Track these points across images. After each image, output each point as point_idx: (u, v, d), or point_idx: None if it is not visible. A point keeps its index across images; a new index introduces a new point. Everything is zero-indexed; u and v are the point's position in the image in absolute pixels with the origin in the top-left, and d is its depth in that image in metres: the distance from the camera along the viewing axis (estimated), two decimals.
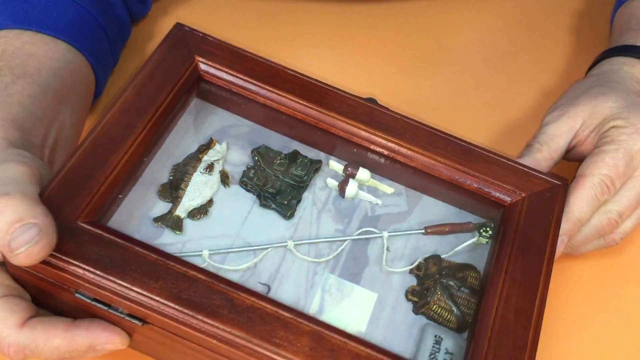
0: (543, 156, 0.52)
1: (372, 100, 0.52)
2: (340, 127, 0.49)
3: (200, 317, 0.38)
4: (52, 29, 0.50)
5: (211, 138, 0.50)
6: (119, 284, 0.38)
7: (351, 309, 0.45)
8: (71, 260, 0.38)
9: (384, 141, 0.49)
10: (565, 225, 0.49)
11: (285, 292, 0.45)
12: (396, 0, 0.69)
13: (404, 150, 0.49)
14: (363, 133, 0.49)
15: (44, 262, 0.38)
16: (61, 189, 0.41)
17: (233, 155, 0.50)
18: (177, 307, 0.38)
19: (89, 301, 0.39)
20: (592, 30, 0.69)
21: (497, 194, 0.48)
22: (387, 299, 0.46)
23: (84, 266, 0.38)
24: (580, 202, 0.49)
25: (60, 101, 0.49)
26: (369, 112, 0.50)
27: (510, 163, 0.49)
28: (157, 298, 0.38)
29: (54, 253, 0.38)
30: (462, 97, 0.64)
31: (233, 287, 0.40)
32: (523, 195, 0.48)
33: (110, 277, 0.38)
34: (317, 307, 0.45)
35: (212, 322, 0.38)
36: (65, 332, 0.40)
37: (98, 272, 0.38)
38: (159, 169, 0.48)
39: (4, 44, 0.49)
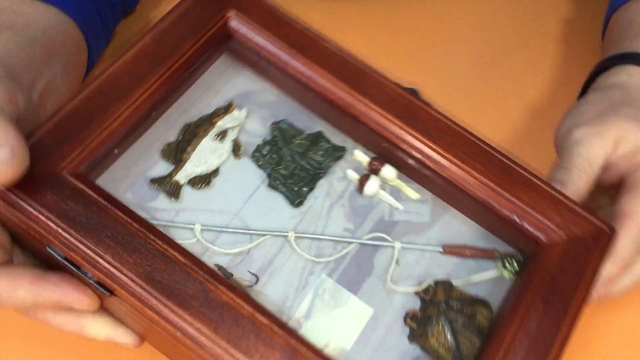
0: (585, 186, 0.46)
1: (413, 92, 0.46)
2: (372, 118, 0.43)
3: (169, 303, 0.34)
4: None
5: (231, 102, 0.46)
6: (91, 249, 0.35)
7: (341, 320, 0.41)
8: (46, 213, 0.35)
9: (417, 142, 0.43)
10: (610, 268, 0.43)
11: (274, 288, 0.41)
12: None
13: (438, 157, 0.43)
14: (396, 129, 0.43)
15: (17, 208, 0.35)
16: (52, 134, 0.37)
17: (251, 125, 0.46)
18: (146, 287, 0.35)
19: (59, 259, 0.36)
20: (583, 33, 0.64)
21: (534, 230, 0.42)
22: (383, 317, 0.41)
23: (58, 222, 0.35)
24: (626, 242, 0.43)
25: (50, 55, 0.45)
26: (407, 105, 0.44)
27: (555, 194, 0.43)
28: (128, 273, 0.35)
29: (29, 202, 0.35)
30: (451, 99, 0.57)
31: (213, 277, 0.36)
32: (563, 236, 0.42)
33: (83, 240, 0.35)
34: (305, 311, 0.41)
35: (180, 313, 0.34)
36: (31, 285, 0.37)
37: (72, 231, 0.35)
38: (168, 126, 0.44)
39: None
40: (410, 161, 0.44)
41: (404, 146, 0.43)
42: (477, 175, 0.43)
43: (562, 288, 0.40)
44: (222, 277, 0.36)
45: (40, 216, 0.35)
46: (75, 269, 0.36)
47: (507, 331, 0.38)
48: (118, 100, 0.39)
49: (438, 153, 0.43)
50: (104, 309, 0.41)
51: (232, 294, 0.36)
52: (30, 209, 0.35)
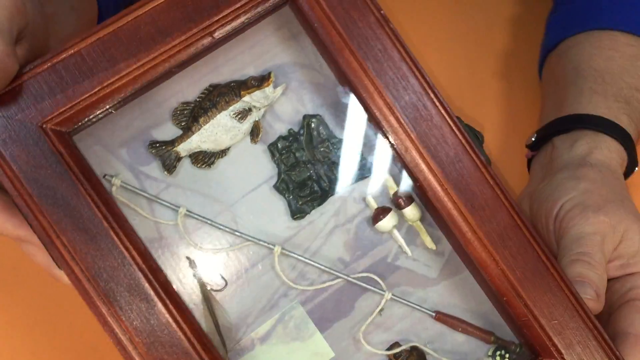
0: (603, 281, 0.41)
1: (475, 135, 0.38)
2: (411, 157, 0.37)
3: (110, 308, 0.32)
4: None
5: (270, 73, 0.39)
6: (50, 225, 0.32)
7: (297, 355, 0.38)
8: (15, 169, 0.32)
9: (450, 204, 0.37)
10: None
11: (240, 299, 0.38)
12: None
13: (467, 231, 0.37)
14: (433, 181, 0.37)
15: None
16: (46, 77, 0.33)
17: (283, 105, 0.40)
18: (90, 283, 0.32)
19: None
20: (523, 78, 0.58)
21: (537, 344, 0.37)
22: None
23: (24, 184, 0.32)
24: None
25: None
26: (457, 157, 0.37)
27: (580, 314, 0.37)
28: (78, 262, 0.32)
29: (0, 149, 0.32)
30: None
31: (165, 290, 0.33)
32: None
33: (44, 212, 0.32)
34: (263, 334, 0.38)
35: (119, 320, 0.32)
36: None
37: (34, 199, 0.32)
38: (191, 82, 0.39)
39: None
40: (437, 218, 0.38)
41: (436, 203, 0.37)
42: (501, 264, 0.37)
43: None
44: (174, 291, 0.34)
45: (7, 170, 0.32)
46: (34, 232, 0.34)
47: None
48: (132, 54, 0.34)
49: (469, 225, 0.37)
50: None
51: (177, 313, 0.33)
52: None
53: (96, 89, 0.34)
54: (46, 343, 0.49)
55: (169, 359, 0.33)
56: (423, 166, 0.37)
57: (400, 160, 0.37)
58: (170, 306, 0.33)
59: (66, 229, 0.32)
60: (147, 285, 0.33)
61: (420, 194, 0.38)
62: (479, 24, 0.60)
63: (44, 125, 0.33)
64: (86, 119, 0.34)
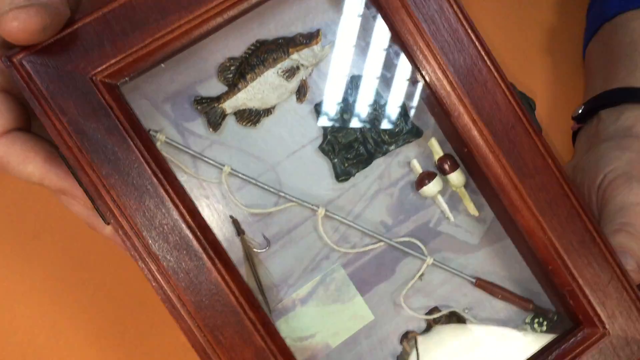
0: None
1: (528, 103, 0.37)
2: (462, 123, 0.36)
3: (159, 266, 0.32)
4: None
5: (319, 31, 0.38)
6: (100, 178, 0.32)
7: (337, 316, 0.38)
8: (63, 121, 0.31)
9: (501, 172, 0.36)
10: None
11: (282, 260, 0.38)
12: None
13: (515, 197, 0.36)
14: (484, 146, 0.36)
15: (35, 97, 0.31)
16: (96, 28, 0.32)
17: (331, 66, 0.39)
18: (139, 240, 0.32)
19: (67, 165, 0.33)
20: (568, 52, 0.57)
21: (580, 313, 0.37)
22: (381, 328, 0.39)
23: (73, 137, 0.32)
24: None
25: None
26: (512, 123, 0.36)
27: (624, 284, 0.37)
28: (129, 217, 0.32)
29: (49, 100, 0.31)
30: None
31: (214, 248, 0.33)
32: (607, 331, 0.36)
33: (94, 167, 0.32)
34: (304, 294, 0.38)
35: (168, 279, 0.32)
36: (44, 163, 0.35)
37: (84, 152, 0.32)
38: (237, 36, 0.37)
39: None
40: (485, 184, 0.37)
41: (485, 169, 0.36)
42: (549, 233, 0.36)
43: None
44: (224, 251, 0.33)
45: (56, 122, 0.32)
46: (81, 186, 0.33)
47: None
48: (184, 6, 0.33)
49: (517, 191, 0.36)
50: None
51: (226, 273, 0.33)
52: (47, 109, 0.32)
53: (147, 42, 0.33)
54: (67, 313, 0.47)
55: (218, 317, 0.33)
56: (475, 132, 0.36)
57: (450, 125, 0.36)
58: (219, 264, 0.33)
59: (115, 183, 0.32)
60: (196, 243, 0.32)
61: (468, 160, 0.38)
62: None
63: (94, 77, 0.32)
64: (136, 72, 0.33)
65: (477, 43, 0.35)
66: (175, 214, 0.32)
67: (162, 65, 0.34)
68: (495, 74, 0.36)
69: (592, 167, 0.44)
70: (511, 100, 0.36)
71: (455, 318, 0.39)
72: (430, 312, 0.39)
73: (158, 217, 0.32)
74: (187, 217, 0.33)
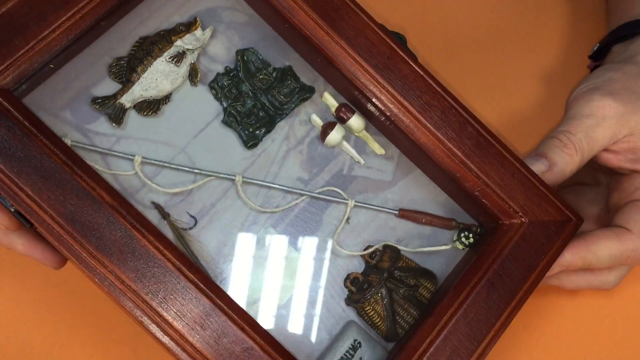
0: (573, 169, 0.42)
1: (399, 38, 0.41)
2: (346, 65, 0.39)
3: (89, 247, 0.32)
4: None
5: (196, 18, 0.41)
6: (10, 179, 0.32)
7: (279, 273, 0.39)
8: None
9: (390, 100, 0.39)
10: (574, 260, 0.41)
11: (212, 233, 0.39)
12: None
13: (409, 120, 0.39)
14: (369, 82, 0.39)
15: None
16: None
17: (214, 48, 0.41)
18: (66, 227, 0.32)
19: None
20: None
21: (494, 209, 0.40)
22: (323, 276, 0.40)
23: None
24: (606, 252, 0.41)
25: None
26: (387, 54, 0.40)
27: (526, 174, 0.40)
28: (48, 210, 0.32)
29: None
30: (459, 82, 0.51)
31: (140, 223, 0.34)
32: (524, 220, 0.40)
33: (2, 168, 0.32)
34: (241, 260, 0.39)
35: (100, 258, 0.32)
36: None
37: None
38: (120, 37, 0.39)
39: None
40: (381, 116, 0.40)
41: (376, 101, 0.39)
42: (447, 144, 0.40)
43: (511, 275, 0.38)
44: (151, 224, 0.34)
45: None
46: None
47: (445, 312, 0.37)
48: (60, 6, 0.35)
49: (411, 114, 0.39)
50: None
51: (158, 244, 0.33)
52: None
53: (31, 44, 0.34)
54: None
55: (160, 285, 0.33)
56: (357, 70, 0.39)
57: (335, 71, 0.40)
58: (150, 237, 0.33)
59: (29, 179, 0.32)
60: (121, 219, 0.33)
61: (361, 102, 0.40)
62: None
63: None
64: (28, 76, 0.34)
65: None
66: (94, 196, 0.33)
67: (51, 65, 0.35)
68: (363, 15, 0.39)
69: (576, 87, 0.45)
70: (382, 36, 0.40)
71: (389, 249, 0.41)
72: (365, 250, 0.41)
73: (76, 201, 0.33)
74: (107, 198, 0.33)
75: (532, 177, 0.40)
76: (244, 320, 0.34)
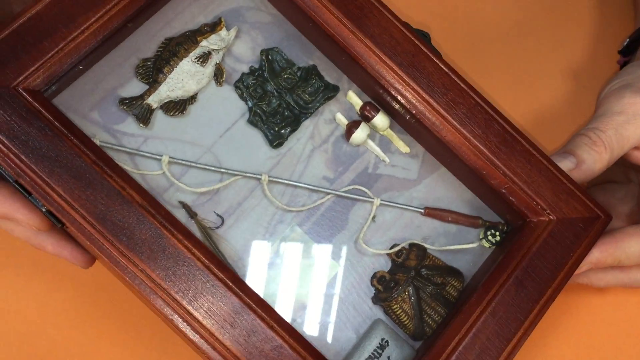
0: (602, 167, 0.42)
1: (424, 36, 0.41)
2: (370, 62, 0.39)
3: (119, 246, 0.33)
4: None
5: (220, 18, 0.41)
6: (42, 179, 0.32)
7: (306, 273, 0.39)
8: None
9: (416, 97, 0.39)
10: (603, 257, 0.41)
11: (239, 232, 0.39)
12: None
13: (435, 118, 0.39)
14: (395, 79, 0.39)
15: None
16: (9, 42, 0.34)
17: (239, 48, 0.41)
18: (97, 226, 0.33)
19: (10, 182, 0.34)
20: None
21: (522, 206, 0.39)
22: (350, 275, 0.40)
23: (9, 145, 0.32)
24: (636, 249, 0.41)
25: None
26: (412, 52, 0.39)
27: (553, 171, 0.40)
28: (80, 210, 0.33)
29: None
30: (485, 79, 0.51)
31: (170, 222, 0.34)
32: (552, 217, 0.39)
33: (34, 168, 0.32)
34: (269, 260, 0.39)
35: (130, 257, 0.33)
36: None
37: (22, 157, 0.32)
38: (147, 39, 0.40)
39: None
40: (406, 114, 0.40)
41: (401, 99, 0.39)
42: (474, 141, 0.39)
43: (539, 273, 0.38)
44: (180, 223, 0.34)
45: None
46: (26, 195, 0.34)
47: (473, 310, 0.37)
48: (89, 8, 0.35)
49: (436, 112, 0.39)
50: None
51: (187, 242, 0.34)
52: None
53: (60, 46, 0.34)
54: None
55: (189, 283, 0.33)
56: (382, 68, 0.39)
57: (360, 69, 0.40)
58: (177, 234, 0.34)
59: (60, 180, 0.33)
60: (150, 219, 0.33)
61: (386, 100, 0.40)
62: None
63: (17, 88, 0.33)
64: (57, 77, 0.35)
65: None
66: (124, 196, 0.33)
67: (80, 67, 0.36)
68: (387, 14, 0.39)
69: (607, 83, 0.44)
70: (407, 34, 0.40)
71: (416, 248, 0.41)
72: (391, 248, 0.41)
73: (107, 201, 0.33)
74: (137, 197, 0.34)
75: (559, 174, 0.40)
76: (273, 318, 0.34)
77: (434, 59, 0.40)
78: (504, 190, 0.39)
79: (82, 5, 0.35)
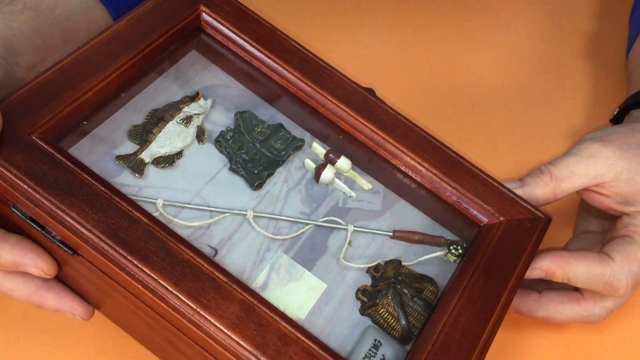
0: (545, 193, 0.47)
1: (370, 91, 0.50)
2: (330, 108, 0.47)
3: (131, 258, 0.36)
4: None
5: (198, 92, 0.48)
6: (57, 206, 0.36)
7: (296, 293, 0.43)
8: (14, 171, 0.37)
9: (371, 132, 0.47)
10: (553, 267, 0.45)
11: (232, 261, 0.42)
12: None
13: (389, 146, 0.46)
14: (351, 119, 0.47)
15: None
16: (24, 100, 0.39)
17: (216, 115, 0.48)
18: (110, 243, 0.36)
19: (23, 219, 0.37)
20: (609, 58, 0.63)
21: (475, 212, 0.46)
22: (336, 292, 0.43)
23: (26, 180, 0.37)
24: (585, 270, 0.45)
25: (67, 40, 0.48)
26: (363, 100, 0.48)
27: (495, 184, 0.47)
28: (92, 229, 0.36)
29: None
30: (484, 140, 0.59)
31: (173, 237, 0.38)
32: (501, 219, 0.45)
33: (49, 197, 0.36)
34: (261, 283, 0.42)
35: (141, 267, 0.36)
36: None
37: (38, 188, 0.36)
38: (136, 111, 0.46)
39: None
40: (365, 153, 0.47)
41: (360, 136, 0.47)
42: (426, 165, 0.46)
43: (502, 262, 0.43)
44: (182, 237, 0.38)
45: (8, 174, 0.37)
46: (39, 229, 0.37)
47: (452, 299, 0.41)
48: (90, 75, 0.42)
49: (390, 143, 0.46)
50: (59, 278, 0.42)
51: (192, 253, 0.37)
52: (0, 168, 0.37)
53: (68, 101, 0.40)
54: None
55: (198, 285, 0.36)
56: (341, 113, 0.47)
57: (322, 118, 0.47)
58: (181, 247, 0.37)
59: (73, 205, 0.36)
60: (157, 234, 0.37)
61: (346, 140, 0.47)
62: (563, 5, 0.61)
63: (32, 136, 0.38)
64: (64, 129, 0.40)
65: (318, 59, 0.48)
66: (132, 216, 0.37)
67: (84, 122, 0.41)
68: (337, 73, 0.48)
69: None
70: (356, 87, 0.48)
71: (390, 262, 0.45)
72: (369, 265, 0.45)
73: (121, 222, 0.37)
74: (143, 217, 0.38)
75: (501, 187, 0.47)
76: (283, 318, 0.37)
77: (381, 104, 0.48)
78: (457, 201, 0.46)
79: (83, 72, 0.42)
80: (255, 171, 0.46)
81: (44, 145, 0.38)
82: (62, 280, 0.42)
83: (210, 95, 0.49)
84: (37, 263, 0.39)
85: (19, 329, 0.46)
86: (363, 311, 0.43)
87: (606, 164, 0.46)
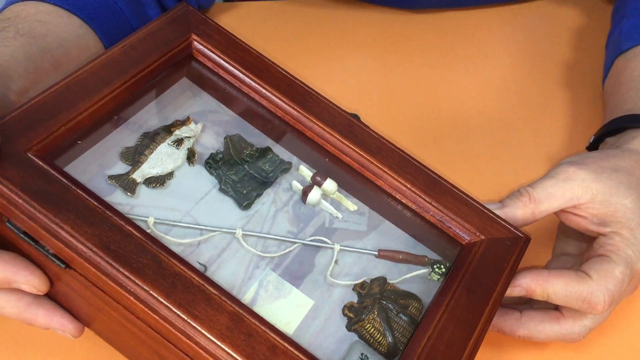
0: (524, 214, 0.49)
1: (355, 116, 0.52)
2: (316, 132, 0.49)
3: (123, 270, 0.37)
4: (70, 4, 0.52)
5: (188, 116, 0.50)
6: (51, 219, 0.37)
7: (284, 309, 0.43)
8: (9, 186, 0.38)
9: (355, 154, 0.48)
10: (532, 285, 0.46)
11: (221, 277, 0.43)
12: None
13: (373, 167, 0.48)
14: (338, 142, 0.49)
15: None
16: (21, 119, 0.40)
17: (206, 139, 0.50)
18: (103, 255, 0.37)
19: (17, 234, 0.38)
20: (586, 86, 0.66)
21: (457, 231, 0.47)
22: (323, 309, 0.44)
23: (21, 194, 0.38)
24: (563, 288, 0.46)
25: (58, 66, 0.50)
26: (347, 124, 0.50)
27: (476, 205, 0.48)
28: (86, 242, 0.37)
29: None
30: (466, 164, 0.61)
31: (165, 250, 0.39)
32: (482, 237, 0.47)
33: (44, 211, 0.37)
34: (250, 299, 0.43)
35: (133, 279, 0.37)
36: None
37: (33, 203, 0.37)
38: (128, 134, 0.48)
39: (20, 10, 0.51)
40: (350, 175, 0.49)
41: (345, 159, 0.48)
42: (409, 185, 0.48)
43: (484, 279, 0.44)
44: (173, 251, 0.39)
45: (5, 189, 0.38)
46: (32, 243, 0.38)
47: (436, 315, 0.42)
48: (85, 97, 0.43)
49: (375, 165, 0.48)
50: (49, 295, 0.42)
51: (183, 266, 0.38)
52: None
53: (63, 121, 0.42)
54: None
55: (189, 297, 0.37)
56: (327, 135, 0.49)
57: (309, 141, 0.49)
58: (172, 260, 0.38)
59: (67, 219, 0.37)
60: (149, 247, 0.38)
61: (332, 163, 0.49)
62: (542, 36, 0.64)
63: (28, 153, 0.39)
64: (59, 148, 0.41)
65: (304, 86, 0.50)
66: (124, 230, 0.38)
67: (78, 142, 0.43)
68: (322, 98, 0.50)
69: None
70: (340, 111, 0.50)
71: (376, 280, 0.46)
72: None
73: (114, 236, 0.38)
74: (135, 231, 0.39)
75: (481, 207, 0.49)
76: (272, 330, 0.38)
77: (365, 128, 0.50)
78: (439, 220, 0.47)
79: (78, 95, 0.43)
80: (244, 192, 0.47)
81: (39, 162, 0.39)
82: (52, 297, 0.42)
83: (200, 120, 0.50)
84: (30, 280, 0.39)
85: (7, 349, 0.46)
86: (350, 327, 0.44)
87: (582, 186, 0.48)
